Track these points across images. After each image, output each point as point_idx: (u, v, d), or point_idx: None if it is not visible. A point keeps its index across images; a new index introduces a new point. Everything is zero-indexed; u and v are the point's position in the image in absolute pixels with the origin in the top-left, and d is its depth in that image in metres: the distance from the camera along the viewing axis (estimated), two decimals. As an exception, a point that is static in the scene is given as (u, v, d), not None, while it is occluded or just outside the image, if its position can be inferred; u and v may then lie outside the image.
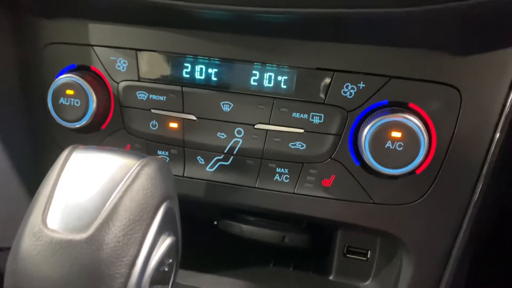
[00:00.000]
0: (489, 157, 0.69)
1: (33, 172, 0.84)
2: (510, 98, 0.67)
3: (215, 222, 0.98)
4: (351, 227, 0.81)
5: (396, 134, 0.66)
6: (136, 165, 0.52)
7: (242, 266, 0.93)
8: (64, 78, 0.77)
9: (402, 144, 0.66)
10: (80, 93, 0.77)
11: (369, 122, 0.67)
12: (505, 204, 0.86)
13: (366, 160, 0.68)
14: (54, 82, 0.77)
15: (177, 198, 0.58)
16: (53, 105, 0.78)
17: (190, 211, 1.08)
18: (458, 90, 0.67)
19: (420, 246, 0.73)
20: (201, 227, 1.04)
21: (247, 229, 0.93)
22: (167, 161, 0.79)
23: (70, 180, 0.51)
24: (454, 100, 0.68)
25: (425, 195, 0.71)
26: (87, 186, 0.50)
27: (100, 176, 0.51)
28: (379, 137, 0.67)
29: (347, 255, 0.87)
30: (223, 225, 0.95)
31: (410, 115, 0.66)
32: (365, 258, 0.86)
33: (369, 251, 0.86)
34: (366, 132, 0.67)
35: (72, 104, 0.77)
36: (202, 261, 0.91)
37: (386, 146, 0.67)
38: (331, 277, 0.88)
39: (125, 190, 0.50)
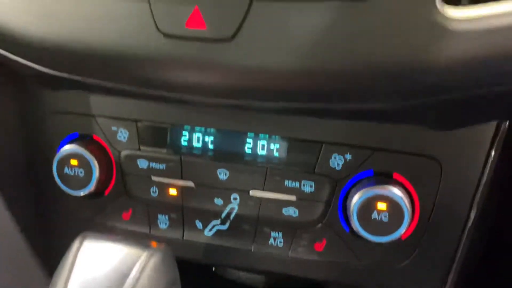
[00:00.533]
0: (470, 220, 0.74)
1: (37, 237, 0.88)
2: (488, 167, 0.72)
3: (214, 269, 1.03)
4: (341, 286, 0.86)
5: (381, 205, 0.71)
6: (143, 257, 0.57)
7: None
8: (68, 149, 0.81)
9: (387, 215, 0.71)
10: (84, 163, 0.81)
11: (356, 193, 0.72)
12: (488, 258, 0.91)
13: (354, 228, 0.73)
14: (58, 153, 0.81)
15: (179, 283, 0.62)
16: (58, 175, 0.82)
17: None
18: (439, 161, 0.72)
19: None
20: (199, 273, 1.09)
21: (243, 276, 0.98)
22: (166, 225, 0.83)
23: (82, 275, 0.55)
24: (435, 170, 0.73)
25: (411, 257, 0.76)
26: (98, 281, 0.55)
27: (109, 270, 0.56)
28: (366, 208, 0.71)
29: None
30: (221, 271, 1.00)
31: (394, 187, 0.71)
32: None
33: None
34: (354, 203, 0.72)
35: (76, 174, 0.82)
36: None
37: (373, 217, 0.72)
38: None
39: (133, 285, 0.54)
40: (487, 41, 0.54)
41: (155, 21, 0.58)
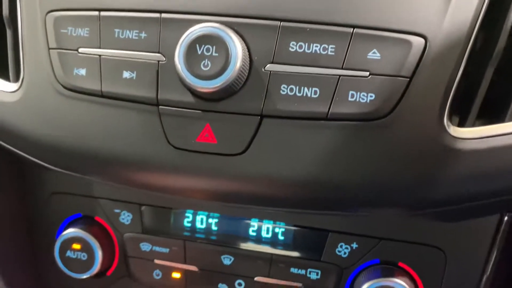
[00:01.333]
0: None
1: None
2: (493, 255, 0.73)
3: None
4: None
5: (388, 297, 0.71)
6: None
7: None
8: (70, 233, 0.80)
9: (391, 304, 0.71)
10: (87, 247, 0.80)
11: (363, 283, 0.72)
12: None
13: (361, 316, 0.73)
14: (60, 237, 0.80)
15: None
16: (60, 258, 0.81)
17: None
18: (443, 251, 0.73)
19: None
20: None
21: None
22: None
23: None
24: (440, 259, 0.73)
25: None
26: None
27: None
28: (373, 299, 0.72)
29: None
30: None
31: (399, 278, 0.71)
32: None
33: None
34: (361, 293, 0.72)
35: (78, 257, 0.81)
36: None
37: (380, 308, 0.72)
38: None
39: None
40: (491, 159, 0.55)
41: (165, 135, 0.58)
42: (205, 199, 0.66)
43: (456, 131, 0.55)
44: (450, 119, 0.55)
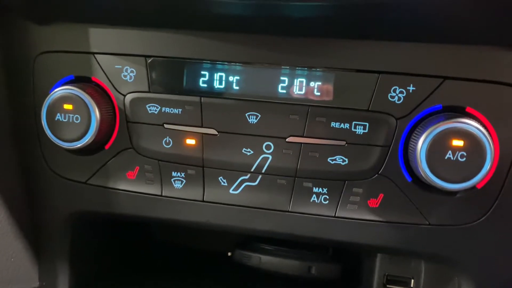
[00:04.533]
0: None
1: (24, 200, 0.72)
2: None
3: (229, 254, 0.87)
4: (395, 253, 0.71)
5: (457, 142, 0.57)
6: None
7: None
8: (61, 90, 0.66)
9: (465, 154, 0.57)
10: (80, 107, 0.66)
11: (425, 130, 0.58)
12: None
13: (422, 174, 0.58)
14: (49, 96, 0.66)
15: None
16: (47, 123, 0.67)
17: (198, 243, 0.98)
18: (522, 92, 0.59)
19: (484, 272, 0.64)
20: (213, 260, 0.93)
21: (267, 260, 0.82)
22: (182, 184, 0.68)
23: None
24: (517, 103, 0.59)
25: (488, 213, 0.62)
26: None
27: None
28: (438, 147, 0.58)
29: (388, 286, 0.76)
30: (239, 256, 0.84)
31: (472, 121, 0.57)
32: (408, 288, 0.76)
33: (412, 280, 0.75)
34: (422, 141, 0.58)
35: (70, 120, 0.66)
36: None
37: (446, 157, 0.58)
38: None
39: None
40: None
41: None
42: None
43: None
44: None
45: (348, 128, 0.63)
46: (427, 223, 0.63)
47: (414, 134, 0.60)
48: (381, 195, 0.63)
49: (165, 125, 0.67)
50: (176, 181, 0.68)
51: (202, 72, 0.66)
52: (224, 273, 0.89)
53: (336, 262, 0.82)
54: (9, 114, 0.72)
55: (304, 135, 0.64)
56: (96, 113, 0.66)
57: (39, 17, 0.69)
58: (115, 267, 0.87)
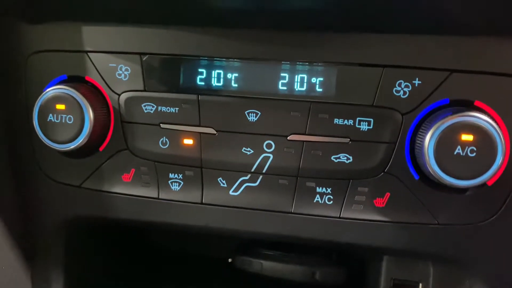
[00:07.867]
0: None
1: (16, 205, 0.69)
2: None
3: (230, 260, 0.84)
4: (403, 254, 0.68)
5: (467, 137, 0.55)
6: None
7: None
8: (53, 90, 0.64)
9: (475, 149, 0.55)
10: (73, 107, 0.63)
11: (432, 125, 0.56)
12: None
13: (430, 171, 0.56)
14: (40, 96, 0.64)
15: None
16: (39, 124, 0.64)
17: (198, 249, 0.95)
18: (533, 84, 0.57)
19: (497, 273, 0.61)
20: (214, 265, 0.90)
21: (269, 266, 0.79)
22: (180, 186, 0.65)
23: None
24: (529, 95, 0.57)
25: (500, 211, 0.59)
26: None
27: None
28: (447, 142, 0.55)
29: None
30: (240, 262, 0.81)
31: (482, 114, 0.55)
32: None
33: (420, 284, 0.73)
34: (430, 137, 0.55)
35: (63, 121, 0.64)
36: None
37: (455, 153, 0.55)
38: None
39: None
40: None
41: None
42: None
43: None
44: None
45: (352, 124, 0.60)
46: (436, 222, 0.60)
47: (421, 130, 0.58)
48: (388, 194, 0.61)
49: (162, 125, 0.64)
50: (173, 183, 0.65)
51: (200, 69, 0.64)
52: (225, 279, 0.86)
53: (340, 266, 0.79)
54: (0, 115, 0.69)
55: (306, 132, 0.61)
56: (89, 114, 0.63)
57: (31, 16, 0.66)
58: (112, 274, 0.84)
